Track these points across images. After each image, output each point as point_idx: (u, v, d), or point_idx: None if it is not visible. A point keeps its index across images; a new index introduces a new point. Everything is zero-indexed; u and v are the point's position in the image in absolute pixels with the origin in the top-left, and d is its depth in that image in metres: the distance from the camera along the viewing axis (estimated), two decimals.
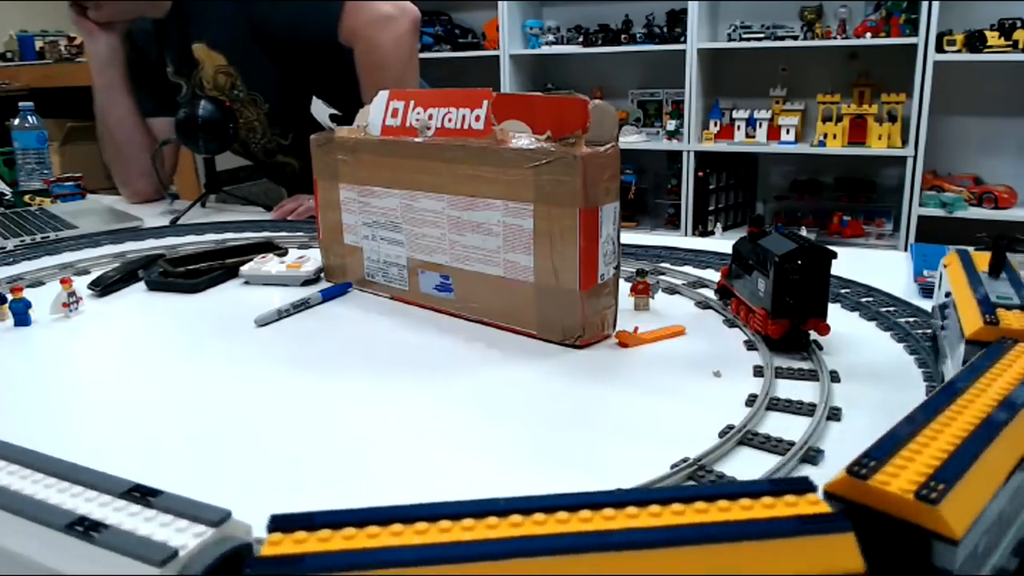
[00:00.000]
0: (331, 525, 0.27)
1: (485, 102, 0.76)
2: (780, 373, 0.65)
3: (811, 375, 0.65)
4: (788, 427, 0.56)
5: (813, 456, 0.52)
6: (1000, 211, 2.76)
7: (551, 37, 3.37)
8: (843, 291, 0.84)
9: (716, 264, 0.96)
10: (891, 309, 0.79)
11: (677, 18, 3.13)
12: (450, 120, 0.79)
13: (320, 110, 0.91)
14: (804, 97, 3.06)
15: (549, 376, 0.68)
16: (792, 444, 0.53)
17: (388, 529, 0.27)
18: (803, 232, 2.44)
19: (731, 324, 0.78)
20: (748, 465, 0.52)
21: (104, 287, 0.94)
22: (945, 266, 0.64)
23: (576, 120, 0.69)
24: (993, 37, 2.62)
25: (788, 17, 3.02)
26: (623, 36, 3.20)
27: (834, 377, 0.64)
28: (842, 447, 0.53)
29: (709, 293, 0.86)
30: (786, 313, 0.67)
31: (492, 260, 0.77)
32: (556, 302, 0.73)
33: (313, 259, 0.98)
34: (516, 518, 0.27)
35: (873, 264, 0.95)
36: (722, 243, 1.03)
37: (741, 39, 3.01)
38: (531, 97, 0.77)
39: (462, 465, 0.54)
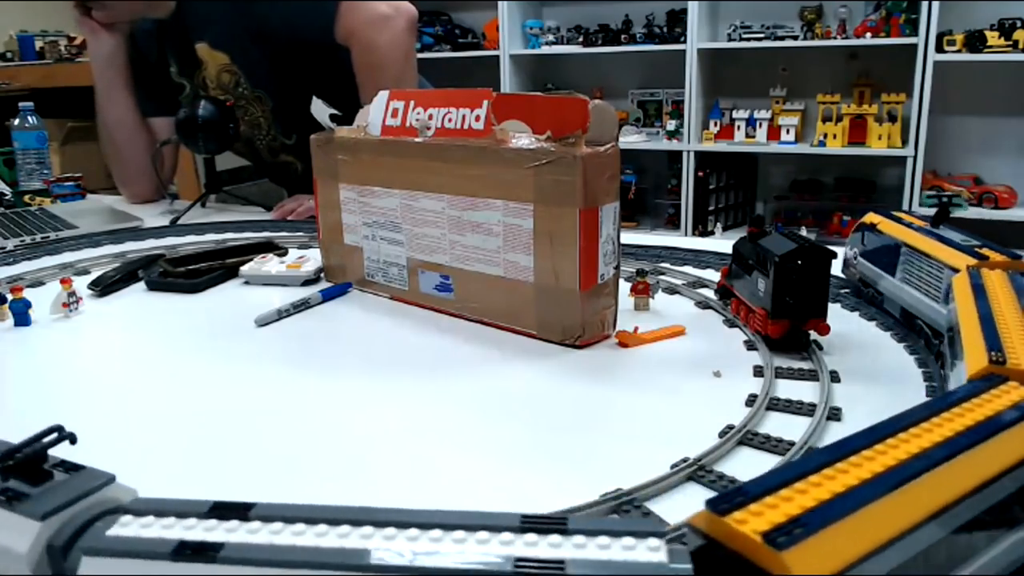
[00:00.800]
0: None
1: (485, 102, 0.76)
2: (780, 373, 0.65)
3: (811, 375, 0.65)
4: (788, 427, 0.56)
5: None
6: (1000, 211, 2.76)
7: (551, 37, 3.37)
8: (843, 291, 0.84)
9: (716, 264, 0.96)
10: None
11: (677, 18, 3.13)
12: (450, 120, 0.79)
13: (320, 110, 0.91)
14: (804, 97, 3.06)
15: (549, 376, 0.68)
16: (792, 444, 0.53)
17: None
18: (803, 232, 2.44)
19: (731, 324, 0.78)
20: (748, 465, 0.52)
21: (104, 287, 0.94)
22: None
23: (576, 120, 0.69)
24: (993, 37, 2.62)
25: (788, 17, 3.01)
26: (623, 36, 3.20)
27: (834, 377, 0.64)
28: None
29: (709, 293, 0.86)
30: (786, 313, 0.67)
31: (492, 260, 0.77)
32: (556, 302, 0.73)
33: (313, 259, 0.98)
34: None
35: None
36: (722, 243, 1.03)
37: (741, 39, 3.01)
38: (531, 97, 0.77)
39: (462, 465, 0.54)
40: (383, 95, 0.86)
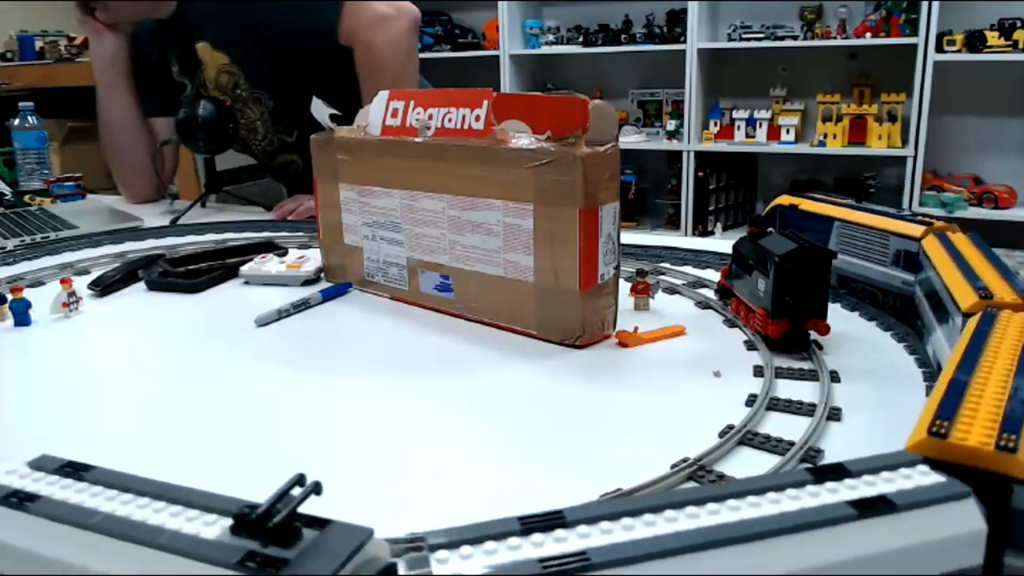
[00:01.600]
0: None
1: (485, 102, 0.76)
2: (780, 373, 0.65)
3: (811, 375, 0.65)
4: (788, 427, 0.56)
5: (813, 456, 0.52)
6: (1000, 211, 2.76)
7: (551, 37, 3.37)
8: (843, 291, 0.84)
9: (716, 264, 0.96)
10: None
11: (677, 18, 3.13)
12: (450, 120, 0.79)
13: (320, 110, 0.91)
14: (804, 97, 3.06)
15: (549, 376, 0.68)
16: (792, 444, 0.53)
17: None
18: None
19: (731, 324, 0.78)
20: (748, 465, 0.52)
21: (104, 287, 0.94)
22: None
23: (576, 120, 0.69)
24: (993, 37, 2.62)
25: (788, 17, 3.02)
26: (623, 36, 3.20)
27: (834, 377, 0.64)
28: (842, 447, 0.53)
29: (709, 293, 0.86)
30: (786, 313, 0.67)
31: (492, 260, 0.77)
32: (556, 302, 0.73)
33: (313, 259, 0.98)
34: None
35: None
36: (722, 243, 1.03)
37: (741, 39, 3.01)
38: (531, 97, 0.77)
39: (462, 465, 0.54)
40: (383, 95, 0.86)
